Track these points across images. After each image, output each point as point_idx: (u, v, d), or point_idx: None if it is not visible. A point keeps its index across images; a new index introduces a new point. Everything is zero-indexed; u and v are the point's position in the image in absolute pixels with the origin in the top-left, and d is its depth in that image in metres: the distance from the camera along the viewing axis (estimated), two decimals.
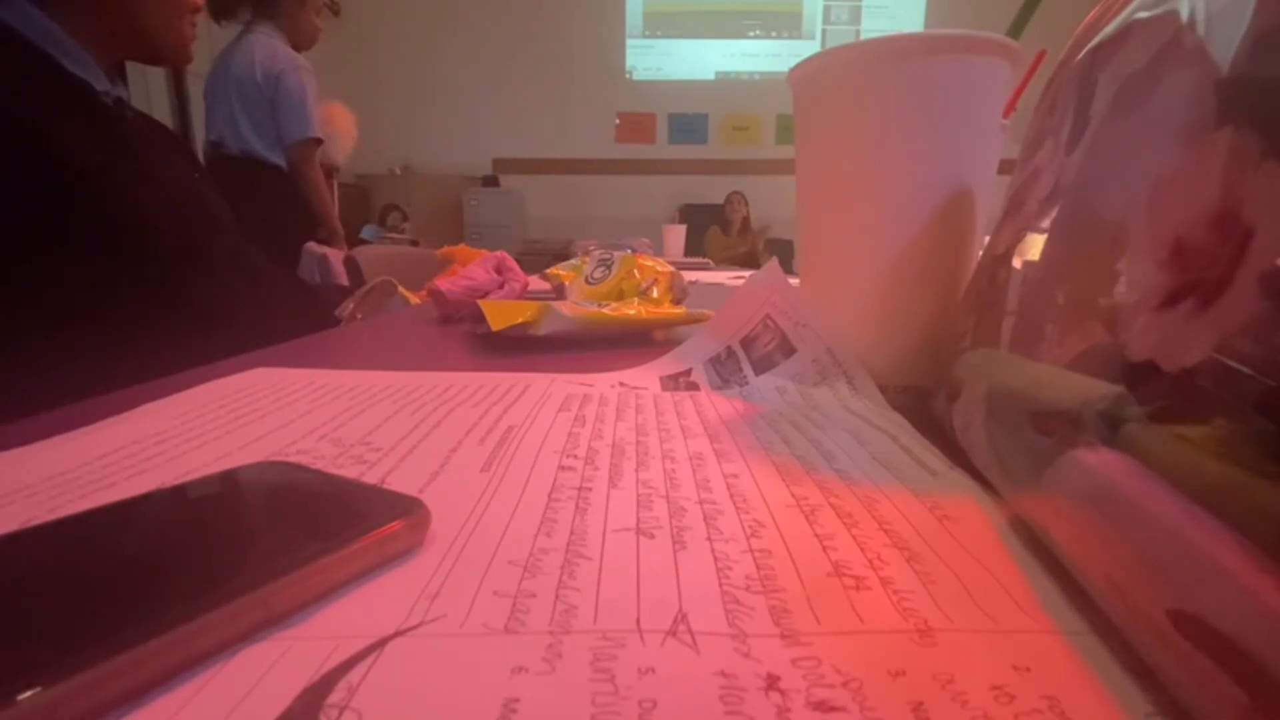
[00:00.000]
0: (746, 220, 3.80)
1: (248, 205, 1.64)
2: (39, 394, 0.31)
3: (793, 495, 0.20)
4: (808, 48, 4.04)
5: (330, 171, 1.94)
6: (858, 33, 4.22)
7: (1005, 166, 0.28)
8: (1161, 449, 0.12)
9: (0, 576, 0.14)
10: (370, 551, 0.15)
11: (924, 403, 0.29)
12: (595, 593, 0.15)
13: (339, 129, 2.00)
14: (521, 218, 4.09)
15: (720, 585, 0.15)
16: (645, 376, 0.37)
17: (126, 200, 0.59)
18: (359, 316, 0.84)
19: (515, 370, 0.38)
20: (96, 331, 0.56)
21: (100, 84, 0.64)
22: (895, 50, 0.30)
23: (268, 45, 1.72)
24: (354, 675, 0.12)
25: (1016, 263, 0.21)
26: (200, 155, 0.87)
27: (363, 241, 2.94)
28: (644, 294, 0.61)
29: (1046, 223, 0.19)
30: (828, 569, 0.16)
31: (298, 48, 1.79)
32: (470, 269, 0.67)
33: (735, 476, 0.22)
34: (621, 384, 0.35)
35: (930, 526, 0.18)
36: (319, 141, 1.75)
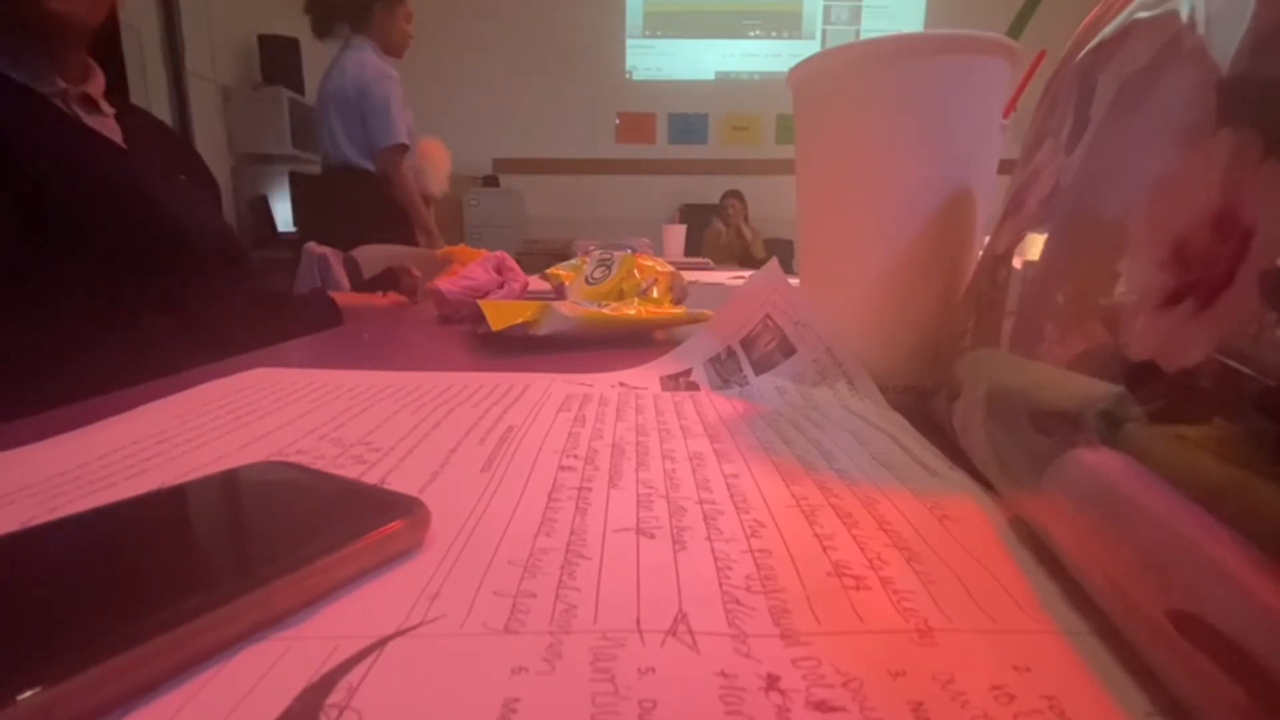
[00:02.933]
0: (744, 220, 3.79)
1: (350, 212, 1.78)
2: (38, 394, 0.31)
3: (793, 495, 0.20)
4: (808, 48, 4.04)
5: (428, 199, 2.06)
6: (858, 33, 4.22)
7: (1005, 166, 0.28)
8: (1161, 449, 0.12)
9: (0, 576, 0.14)
10: (370, 551, 0.15)
11: (924, 403, 0.29)
12: (595, 593, 0.15)
13: (434, 161, 2.10)
14: (521, 218, 4.09)
15: (720, 585, 0.15)
16: (645, 376, 0.37)
17: (74, 204, 0.58)
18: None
19: (515, 370, 0.38)
20: (55, 332, 0.55)
21: (47, 85, 0.61)
22: (895, 50, 0.30)
23: (359, 60, 1.82)
24: (354, 675, 0.12)
25: (1016, 263, 0.21)
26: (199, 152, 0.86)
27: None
28: (644, 294, 0.61)
29: (1047, 223, 0.19)
30: (828, 569, 0.16)
31: (390, 54, 1.89)
32: (470, 269, 0.67)
33: (735, 476, 0.22)
34: (621, 384, 0.35)
35: (930, 526, 0.18)
36: (404, 147, 1.83)
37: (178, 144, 0.82)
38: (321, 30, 1.89)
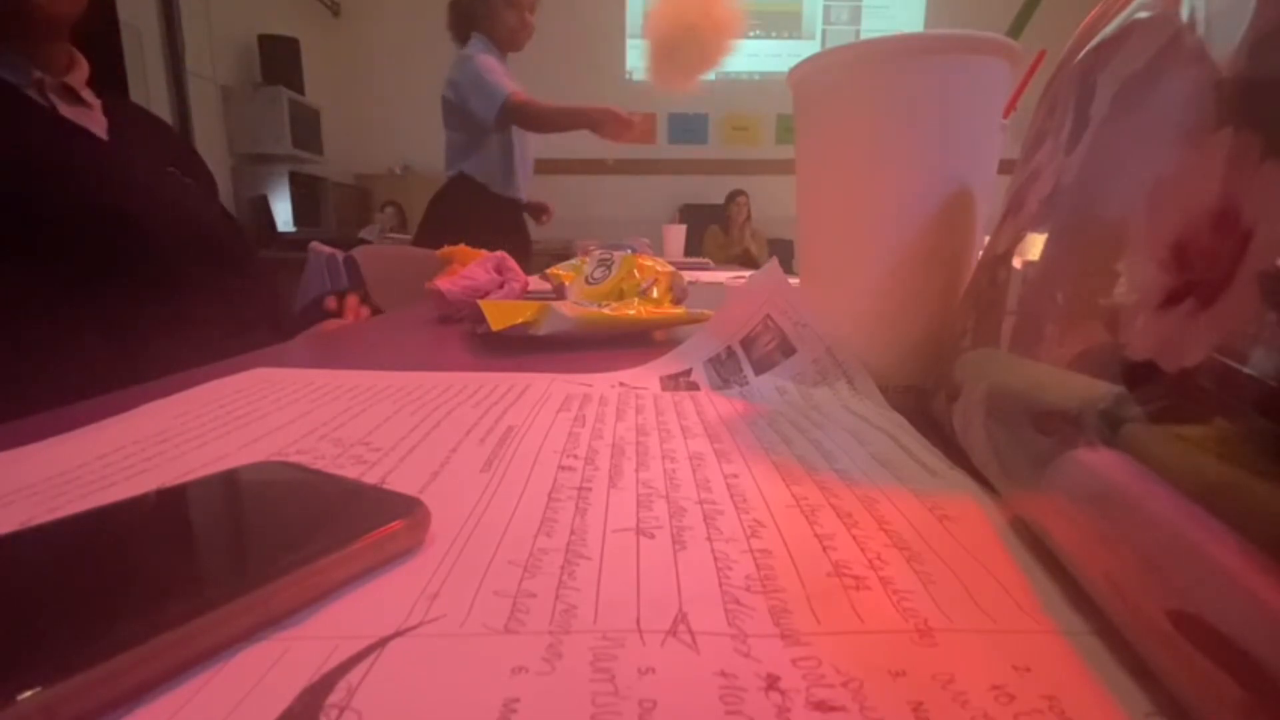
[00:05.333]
0: (747, 220, 3.79)
1: (459, 221, 1.71)
2: (38, 394, 0.31)
3: (793, 495, 0.20)
4: (808, 48, 4.04)
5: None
6: (858, 33, 4.21)
7: (1005, 166, 0.28)
8: (1161, 449, 0.12)
9: (0, 576, 0.14)
10: (370, 551, 0.15)
11: (924, 403, 0.29)
12: (595, 593, 0.15)
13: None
14: None
15: (720, 585, 0.15)
16: (645, 376, 0.37)
17: (40, 193, 0.56)
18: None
19: (515, 370, 0.38)
20: (25, 325, 0.54)
21: (19, 76, 0.59)
22: (895, 50, 0.30)
23: (454, 61, 1.77)
24: (354, 675, 0.12)
25: (1016, 263, 0.21)
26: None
27: (362, 241, 2.93)
28: (644, 294, 0.61)
29: (1046, 223, 0.19)
30: (828, 569, 0.16)
31: (503, 48, 1.83)
32: (470, 269, 0.67)
33: (735, 476, 0.22)
34: (621, 384, 0.35)
35: (930, 526, 0.18)
36: (516, 96, 1.73)
37: (170, 138, 0.80)
38: (456, 37, 1.87)
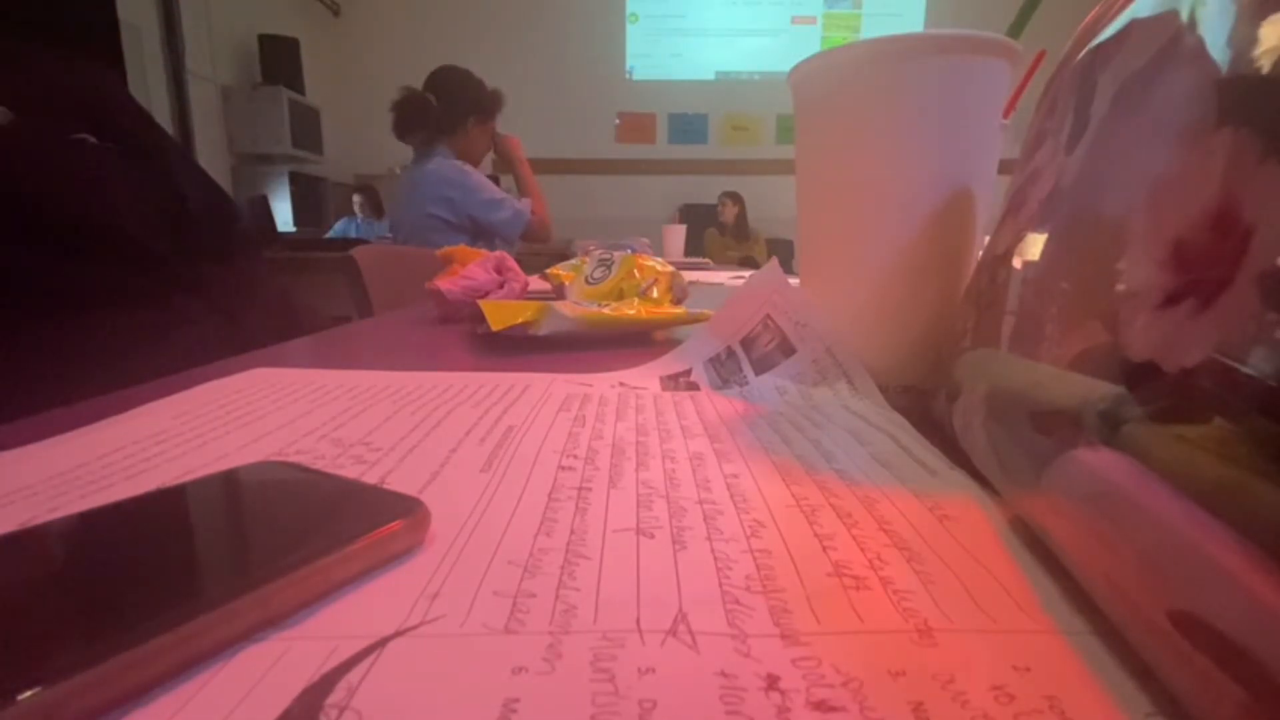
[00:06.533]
0: (739, 220, 3.79)
1: None
2: (38, 394, 0.31)
3: (793, 495, 0.20)
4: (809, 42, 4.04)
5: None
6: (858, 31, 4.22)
7: (1005, 166, 0.28)
8: (1161, 449, 0.12)
9: (0, 576, 0.14)
10: (370, 551, 0.15)
11: (924, 403, 0.29)
12: (595, 593, 0.15)
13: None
14: None
15: (720, 585, 0.15)
16: (645, 376, 0.37)
17: None
18: None
19: (515, 370, 0.38)
20: None
21: None
22: (895, 50, 0.30)
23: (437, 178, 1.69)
24: (354, 675, 0.12)
25: (1016, 263, 0.21)
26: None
27: (336, 240, 2.88)
28: (644, 294, 0.61)
29: (1047, 223, 0.19)
30: (828, 569, 0.16)
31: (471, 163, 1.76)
32: (470, 269, 0.67)
33: (735, 476, 0.22)
34: (621, 384, 0.35)
35: (930, 526, 0.18)
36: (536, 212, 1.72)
37: (97, 97, 0.63)
38: (419, 144, 1.75)
